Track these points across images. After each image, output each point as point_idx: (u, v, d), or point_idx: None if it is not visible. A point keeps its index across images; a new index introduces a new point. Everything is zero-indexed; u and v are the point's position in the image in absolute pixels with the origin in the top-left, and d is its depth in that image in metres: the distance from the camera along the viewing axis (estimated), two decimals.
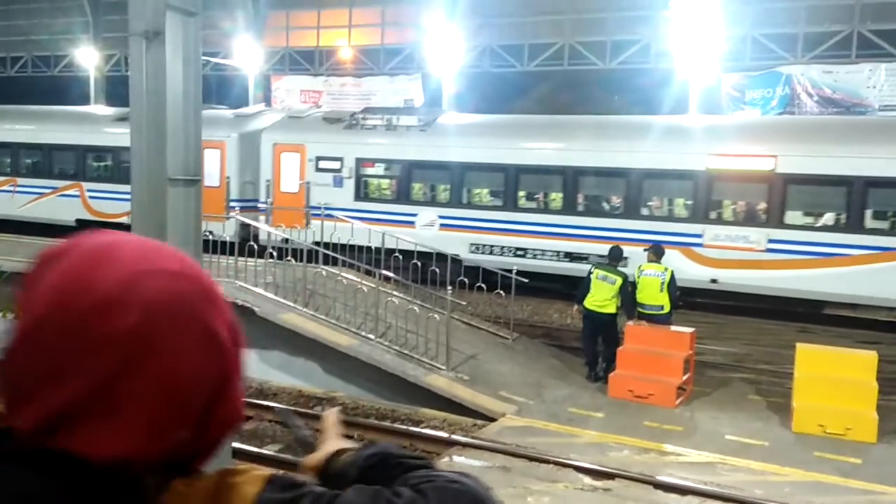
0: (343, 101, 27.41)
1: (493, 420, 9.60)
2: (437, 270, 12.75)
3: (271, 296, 11.80)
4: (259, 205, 18.70)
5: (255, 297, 11.67)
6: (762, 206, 14.71)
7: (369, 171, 18.20)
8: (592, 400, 10.41)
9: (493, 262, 14.05)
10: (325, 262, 12.69)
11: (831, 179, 13.99)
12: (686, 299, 12.62)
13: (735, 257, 14.48)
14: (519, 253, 13.64)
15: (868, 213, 14.02)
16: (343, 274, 12.57)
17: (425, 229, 16.53)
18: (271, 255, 12.79)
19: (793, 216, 14.57)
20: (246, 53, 27.56)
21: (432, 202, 17.62)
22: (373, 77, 27.27)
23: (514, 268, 12.78)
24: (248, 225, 15.36)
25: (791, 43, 21.46)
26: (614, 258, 11.31)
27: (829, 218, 14.37)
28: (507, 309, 12.81)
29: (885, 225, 14.04)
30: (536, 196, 16.95)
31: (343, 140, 18.20)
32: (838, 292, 13.96)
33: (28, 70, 33.93)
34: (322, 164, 18.20)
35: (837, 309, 15.05)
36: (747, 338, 14.43)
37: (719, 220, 14.97)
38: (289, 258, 12.63)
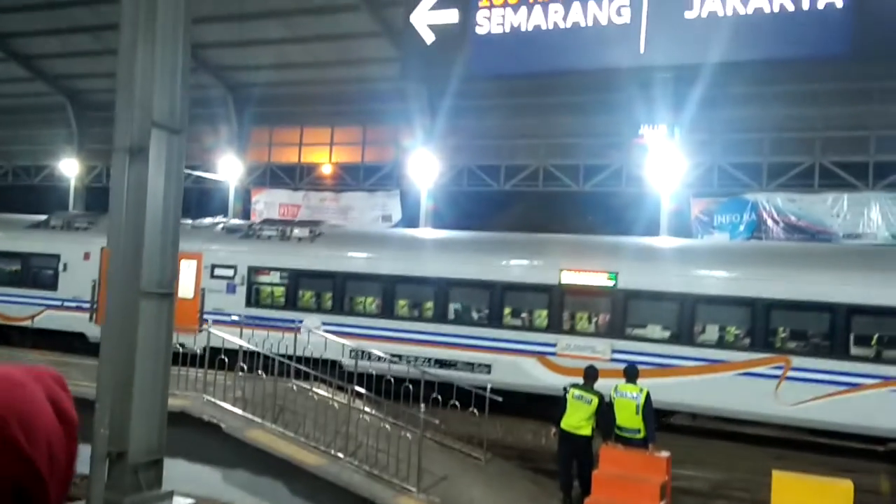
0: (322, 215, 27.75)
1: None
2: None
3: (239, 411, 11.53)
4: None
5: (223, 413, 11.39)
6: (607, 318, 15.86)
7: (261, 278, 19.16)
8: None
9: (371, 367, 14.04)
10: (297, 376, 12.48)
11: (666, 295, 15.20)
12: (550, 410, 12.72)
13: (584, 366, 15.15)
14: (394, 359, 14.05)
15: (698, 327, 15.19)
16: (315, 389, 12.35)
17: (309, 335, 16.78)
18: (241, 370, 12.57)
19: (633, 328, 15.66)
20: (228, 167, 28.04)
21: (317, 309, 18.47)
22: (352, 192, 27.76)
23: (389, 374, 12.76)
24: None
25: (756, 172, 22.30)
26: (590, 377, 11.25)
27: (664, 331, 15.49)
28: (480, 428, 12.58)
29: (713, 339, 15.14)
30: (410, 305, 17.82)
31: (238, 249, 19.28)
32: (676, 402, 14.62)
33: (9, 179, 34.16)
34: (217, 272, 19.18)
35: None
36: (722, 463, 14.22)
37: (570, 331, 16.08)
38: (259, 372, 12.42)
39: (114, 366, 7.27)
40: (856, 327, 14.19)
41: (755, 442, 15.10)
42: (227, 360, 12.44)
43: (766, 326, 14.66)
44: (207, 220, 21.90)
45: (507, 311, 16.71)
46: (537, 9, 6.95)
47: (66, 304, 20.87)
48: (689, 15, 6.57)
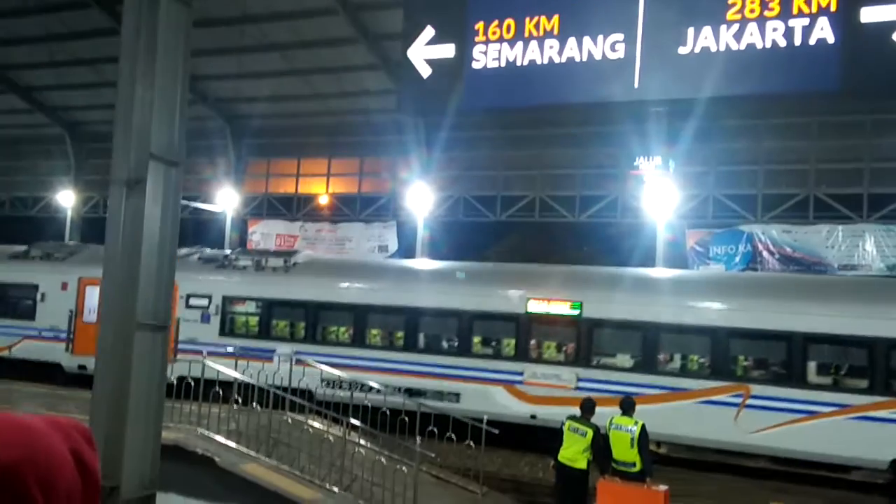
0: (319, 246, 27.80)
1: None
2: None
3: (233, 445, 11.42)
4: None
5: (217, 447, 11.29)
6: (572, 347, 16.04)
7: (235, 308, 19.30)
8: None
9: (343, 397, 13.96)
10: (292, 409, 12.40)
11: (629, 324, 15.46)
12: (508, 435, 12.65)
13: (550, 394, 15.59)
14: (365, 388, 14.08)
15: (660, 356, 15.38)
16: (310, 422, 12.26)
17: (283, 364, 16.77)
18: (236, 402, 12.49)
19: (597, 357, 15.89)
20: (225, 199, 28.11)
21: (290, 338, 18.57)
22: (348, 223, 27.83)
23: (368, 403, 12.71)
24: None
25: (751, 203, 22.43)
26: (586, 410, 11.17)
27: (627, 359, 15.67)
28: (476, 461, 12.48)
29: (675, 367, 15.35)
30: (381, 334, 17.93)
31: (213, 279, 19.37)
32: None
33: (6, 210, 34.21)
34: (192, 301, 19.28)
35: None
36: (721, 496, 14.10)
37: (537, 360, 16.19)
38: (254, 404, 12.34)
39: (107, 399, 7.22)
40: (812, 356, 14.45)
41: (754, 475, 14.99)
42: (220, 391, 12.37)
43: (726, 355, 14.92)
44: (184, 250, 22.00)
45: (475, 340, 16.89)
46: (533, 44, 7.02)
47: (43, 333, 20.89)
48: (682, 50, 6.65)
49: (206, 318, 19.10)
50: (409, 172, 25.84)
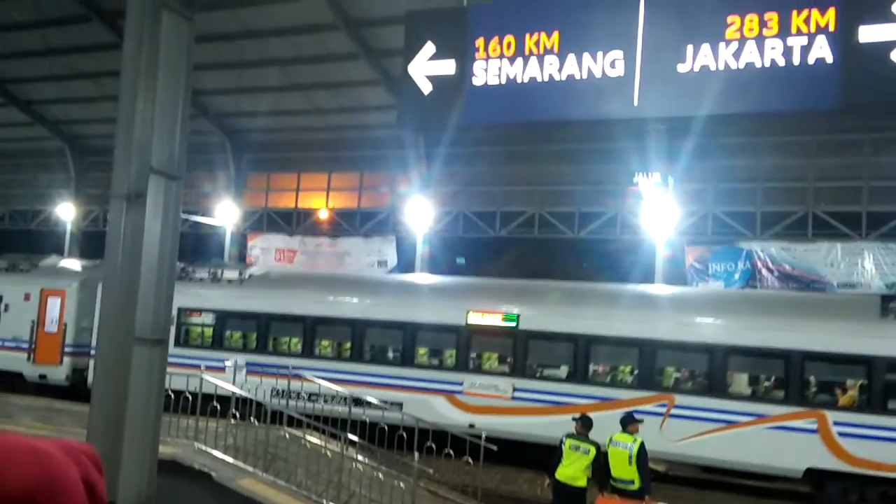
0: (318, 260, 27.80)
1: None
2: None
3: (230, 460, 11.37)
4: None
5: (214, 461, 11.24)
6: (509, 358, 16.53)
7: (191, 319, 19.63)
8: None
9: (291, 406, 13.93)
10: (290, 424, 12.35)
11: (563, 336, 16.02)
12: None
13: (488, 404, 16.11)
14: (313, 398, 14.26)
15: (592, 367, 15.98)
16: (307, 437, 12.22)
17: (235, 374, 16.95)
18: (234, 416, 12.44)
19: (533, 368, 16.42)
20: (225, 213, 28.12)
21: (242, 349, 18.92)
22: (348, 238, 27.84)
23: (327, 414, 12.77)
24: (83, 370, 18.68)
25: (750, 221, 22.45)
26: (586, 426, 11.08)
27: (561, 370, 16.23)
28: (474, 477, 12.42)
29: (605, 378, 15.93)
30: (330, 345, 18.45)
31: None
32: None
33: (6, 223, 34.22)
34: None
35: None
36: None
37: (476, 370, 16.71)
38: (252, 419, 12.30)
39: (105, 413, 7.20)
40: (733, 368, 15.00)
41: (754, 493, 14.92)
42: (218, 406, 12.33)
43: (652, 366, 15.42)
44: None
45: (418, 351, 17.37)
46: (533, 61, 7.05)
47: (6, 343, 21.37)
48: (681, 69, 6.68)
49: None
50: (409, 187, 25.89)
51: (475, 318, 16.77)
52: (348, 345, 18.07)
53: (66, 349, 20.80)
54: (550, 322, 16.21)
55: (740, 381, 15.06)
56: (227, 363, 17.91)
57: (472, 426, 14.92)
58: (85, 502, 1.12)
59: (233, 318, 19.23)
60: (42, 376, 20.88)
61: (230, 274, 19.81)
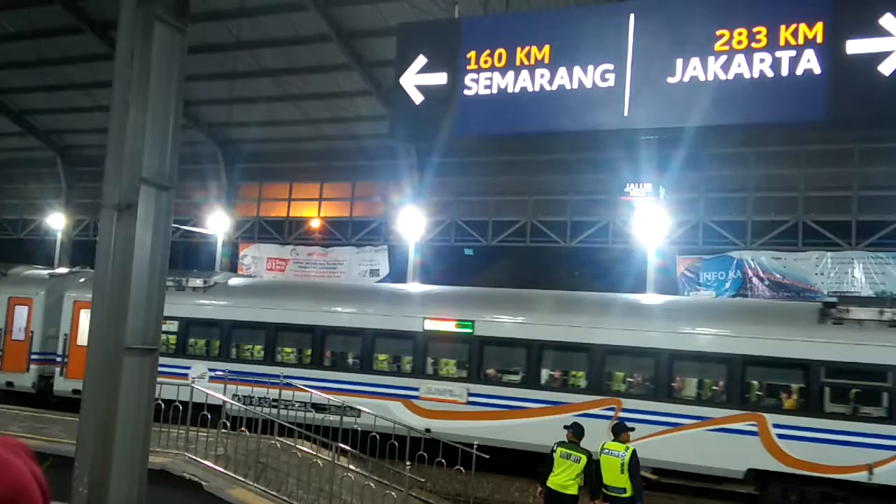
0: (310, 270, 27.77)
1: None
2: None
3: (221, 469, 11.33)
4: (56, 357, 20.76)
5: (205, 471, 11.19)
6: (464, 364, 16.94)
7: None
8: None
9: (255, 412, 13.98)
10: (281, 433, 12.32)
11: (516, 342, 16.52)
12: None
13: (443, 409, 16.51)
14: (274, 404, 14.60)
15: (543, 372, 16.36)
16: (298, 446, 12.19)
17: (198, 381, 16.93)
18: (224, 426, 12.41)
19: (487, 373, 16.81)
20: (217, 222, 28.08)
21: (206, 356, 19.16)
22: (340, 247, 27.84)
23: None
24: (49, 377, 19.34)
25: (740, 230, 22.56)
26: (577, 435, 11.10)
27: (514, 375, 16.64)
28: (466, 486, 12.41)
29: (556, 382, 16.33)
30: (291, 352, 18.80)
31: None
32: (522, 441, 15.59)
33: None
34: None
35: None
36: None
37: (432, 376, 17.09)
38: (242, 429, 12.27)
39: (95, 422, 7.17)
40: (677, 372, 15.41)
41: (746, 500, 14.94)
42: (209, 416, 12.30)
43: (600, 371, 15.86)
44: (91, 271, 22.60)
45: (376, 357, 17.76)
46: (524, 72, 7.10)
47: None
48: (671, 80, 6.74)
49: None
50: (401, 197, 25.92)
51: (432, 325, 17.21)
52: (309, 351, 18.45)
53: (33, 357, 21.00)
54: (505, 329, 16.71)
55: (685, 386, 15.48)
56: (191, 371, 18.00)
57: (428, 431, 15.01)
58: (39, 495, 1.14)
59: (195, 326, 19.40)
60: (9, 383, 21.16)
61: (195, 282, 19.96)
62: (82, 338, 20.24)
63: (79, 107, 28.37)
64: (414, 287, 20.68)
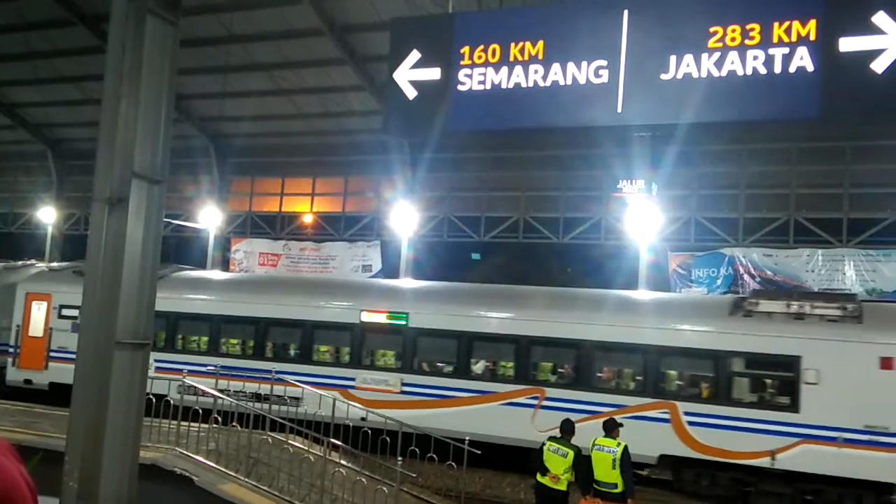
0: (302, 265, 27.72)
1: None
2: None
3: (212, 464, 11.31)
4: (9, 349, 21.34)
5: (195, 466, 11.17)
6: (398, 354, 17.53)
7: None
8: None
9: (199, 402, 14.00)
10: (273, 428, 12.31)
11: (447, 333, 17.05)
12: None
13: (378, 398, 16.90)
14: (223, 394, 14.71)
15: (472, 362, 16.98)
16: (290, 441, 12.17)
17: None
18: (216, 421, 12.37)
19: (420, 364, 17.39)
20: (209, 217, 27.98)
21: (153, 347, 19.16)
22: (332, 242, 27.78)
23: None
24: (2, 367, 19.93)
25: (732, 227, 22.62)
26: (566, 431, 11.13)
27: (445, 366, 17.24)
28: (458, 481, 12.43)
29: (485, 372, 16.89)
30: (235, 342, 19.34)
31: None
32: (455, 429, 15.53)
33: None
34: (64, 312, 20.18)
35: None
36: None
37: (369, 366, 17.73)
38: (234, 423, 12.24)
39: (85, 417, 7.14)
40: (597, 361, 16.08)
41: (740, 500, 14.97)
42: (200, 411, 12.26)
43: (525, 361, 16.50)
44: (64, 264, 23.35)
45: (315, 348, 18.33)
46: (518, 68, 7.10)
47: None
48: (664, 76, 6.75)
49: (76, 328, 19.79)
50: (394, 192, 25.89)
51: (368, 317, 17.73)
52: (251, 342, 18.96)
53: None
54: (437, 320, 17.20)
55: (604, 375, 16.09)
56: None
57: (363, 419, 15.16)
58: (26, 493, 1.14)
59: None
60: None
61: None
62: (34, 329, 20.77)
63: (70, 100, 28.21)
64: (353, 281, 21.52)
